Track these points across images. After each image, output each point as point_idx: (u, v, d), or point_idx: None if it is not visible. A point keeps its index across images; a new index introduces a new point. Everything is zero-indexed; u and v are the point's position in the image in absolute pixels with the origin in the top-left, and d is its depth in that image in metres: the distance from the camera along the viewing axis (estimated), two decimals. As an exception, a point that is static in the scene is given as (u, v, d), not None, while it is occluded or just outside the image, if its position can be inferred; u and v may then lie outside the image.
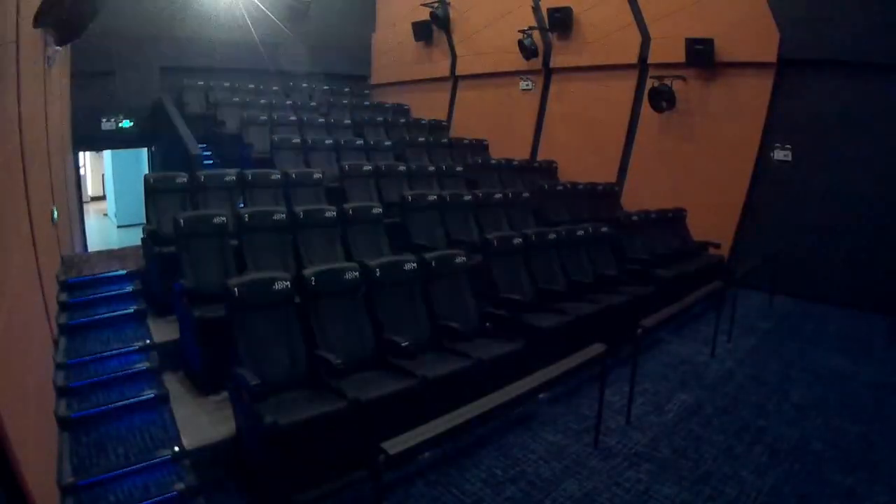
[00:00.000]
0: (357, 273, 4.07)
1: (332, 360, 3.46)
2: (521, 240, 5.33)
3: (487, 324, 4.62)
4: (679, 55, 7.73)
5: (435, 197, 6.29)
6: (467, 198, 6.54)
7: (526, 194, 7.20)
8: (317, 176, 6.62)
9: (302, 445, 3.09)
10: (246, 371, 3.26)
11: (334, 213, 5.38)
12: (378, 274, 4.18)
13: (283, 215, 5.08)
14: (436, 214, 6.22)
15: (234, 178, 6.05)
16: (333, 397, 3.33)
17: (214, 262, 4.68)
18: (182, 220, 4.65)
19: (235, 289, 3.56)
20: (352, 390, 3.35)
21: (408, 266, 4.37)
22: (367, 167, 7.09)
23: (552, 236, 5.64)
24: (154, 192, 5.60)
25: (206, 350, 4.00)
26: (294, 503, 3.10)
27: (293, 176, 6.43)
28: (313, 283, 3.85)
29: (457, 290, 4.66)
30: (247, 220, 4.89)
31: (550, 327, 4.55)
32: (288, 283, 3.77)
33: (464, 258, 4.77)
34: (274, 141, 7.63)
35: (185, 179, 5.75)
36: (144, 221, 5.62)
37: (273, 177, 6.33)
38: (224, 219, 4.84)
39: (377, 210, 5.73)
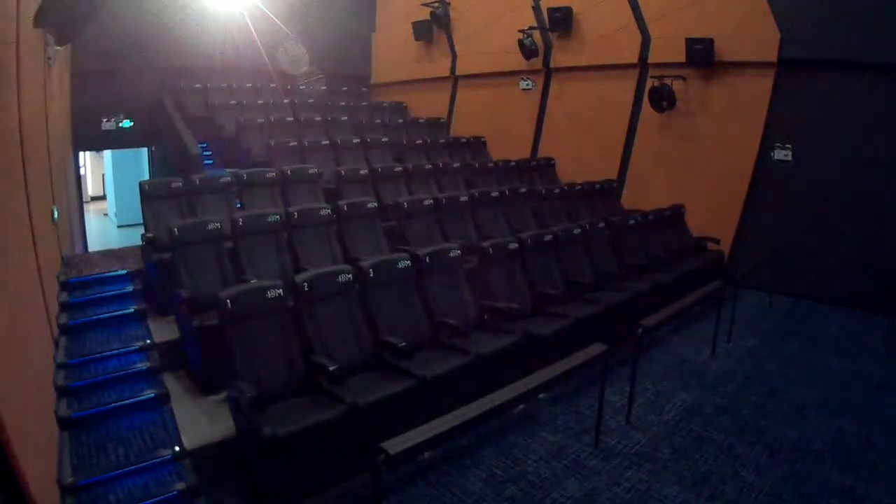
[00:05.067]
0: (350, 275, 4.05)
1: (328, 366, 3.43)
2: (516, 245, 5.24)
3: (486, 316, 4.59)
4: (679, 55, 7.73)
5: (431, 201, 6.21)
6: (464, 198, 6.50)
7: (523, 189, 7.17)
8: (313, 171, 6.60)
9: (302, 453, 3.09)
10: (243, 382, 3.25)
11: (329, 211, 5.37)
12: (372, 274, 4.17)
13: (278, 217, 5.06)
14: (433, 218, 6.16)
15: (230, 179, 6.03)
16: (332, 403, 3.32)
17: (212, 269, 4.68)
18: (176, 229, 4.63)
19: (228, 300, 3.50)
20: (350, 395, 3.34)
21: (402, 264, 4.36)
22: (364, 171, 7.03)
23: (549, 237, 5.59)
24: (150, 198, 5.59)
25: (206, 354, 4.00)
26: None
27: (289, 173, 6.42)
28: (306, 289, 3.82)
29: (453, 285, 4.64)
30: (241, 224, 4.87)
31: (549, 335, 4.47)
32: (280, 290, 3.71)
33: (458, 251, 4.75)
34: (271, 145, 7.63)
35: (180, 184, 5.72)
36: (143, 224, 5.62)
37: (269, 175, 6.31)
38: (219, 225, 4.83)
39: (372, 205, 5.71)
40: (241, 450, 3.47)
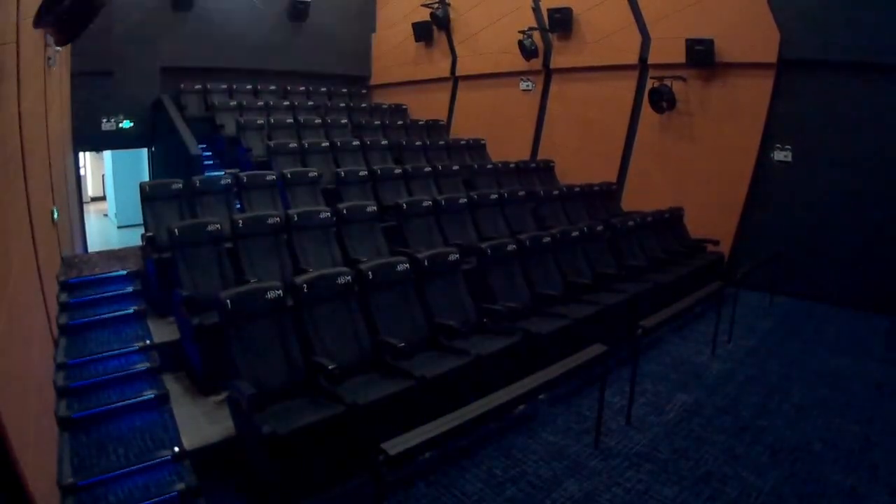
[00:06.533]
0: (349, 277, 4.04)
1: (327, 365, 3.43)
2: (515, 246, 5.25)
3: (485, 319, 4.60)
4: (679, 55, 7.73)
5: (430, 202, 6.22)
6: (463, 200, 6.50)
7: (522, 192, 7.18)
8: (312, 174, 6.61)
9: (302, 452, 3.09)
10: (242, 382, 3.24)
11: (329, 214, 5.38)
12: (371, 277, 4.17)
13: (278, 219, 5.06)
14: (432, 219, 6.17)
15: (230, 181, 6.04)
16: (331, 402, 3.32)
17: (211, 270, 4.68)
18: (176, 230, 4.63)
19: (228, 301, 3.49)
20: (349, 394, 3.34)
21: (400, 267, 4.36)
22: (363, 172, 7.04)
23: (547, 239, 5.60)
24: (150, 199, 5.60)
25: (205, 354, 4.00)
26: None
27: (289, 176, 6.43)
28: (305, 291, 3.81)
29: (452, 288, 4.64)
30: (241, 225, 4.88)
31: (548, 333, 4.48)
32: (280, 291, 3.70)
33: (457, 255, 4.75)
34: (271, 146, 7.64)
35: (180, 185, 5.74)
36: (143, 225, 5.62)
37: (269, 178, 6.34)
38: (218, 226, 4.83)
39: (372, 208, 5.72)
40: (240, 450, 3.47)
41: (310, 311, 3.81)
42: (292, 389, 3.51)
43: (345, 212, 5.51)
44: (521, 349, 4.28)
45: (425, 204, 6.17)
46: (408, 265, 4.40)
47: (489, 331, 4.49)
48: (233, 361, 3.43)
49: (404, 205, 6.01)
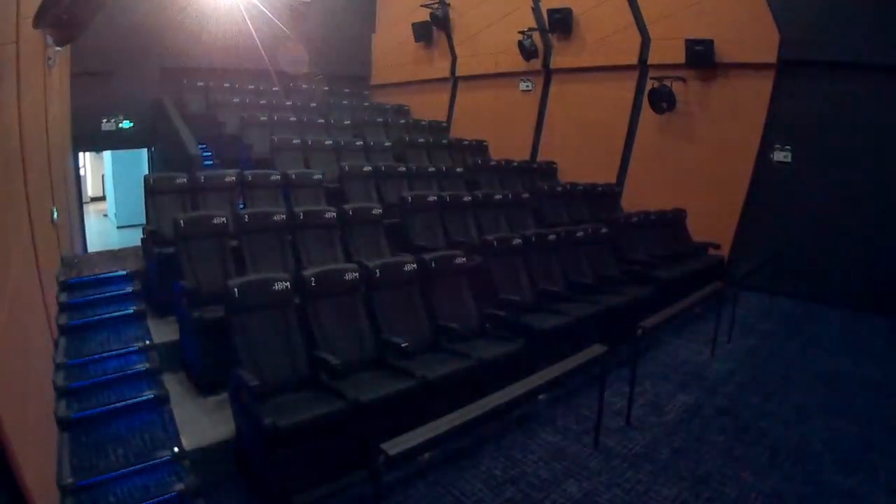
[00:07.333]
0: (356, 274, 4.08)
1: (331, 360, 3.46)
2: (520, 241, 5.34)
3: (487, 324, 4.63)
4: (679, 56, 7.74)
5: (434, 198, 6.28)
6: (467, 199, 6.55)
7: (525, 195, 7.20)
8: (316, 177, 6.63)
9: (302, 446, 3.09)
10: (245, 372, 3.26)
11: (334, 214, 5.40)
12: (377, 275, 4.19)
13: (283, 216, 5.09)
14: (435, 215, 6.21)
15: (234, 178, 6.05)
16: (333, 398, 3.33)
17: (214, 263, 4.69)
18: (182, 222, 4.66)
19: (235, 290, 3.56)
20: (351, 391, 3.36)
21: (407, 267, 4.39)
22: (367, 168, 7.09)
23: (551, 237, 5.66)
24: (154, 192, 5.61)
25: (206, 350, 4.00)
26: (294, 504, 3.09)
27: (293, 177, 6.44)
28: (313, 284, 3.86)
29: (456, 291, 4.67)
30: (246, 220, 4.90)
31: (549, 328, 4.55)
32: (287, 283, 3.76)
33: (463, 259, 4.78)
34: (274, 142, 7.64)
35: (184, 180, 5.76)
36: (144, 222, 5.63)
37: (273, 178, 6.34)
38: (224, 220, 4.85)
39: (377, 211, 5.74)
40: (240, 449, 3.47)
41: (315, 306, 3.85)
42: (294, 383, 3.54)
43: (350, 213, 5.53)
44: (522, 353, 4.29)
45: (430, 199, 6.21)
46: (414, 266, 4.42)
47: (491, 335, 4.51)
48: (236, 351, 3.46)
49: (409, 198, 6.06)
